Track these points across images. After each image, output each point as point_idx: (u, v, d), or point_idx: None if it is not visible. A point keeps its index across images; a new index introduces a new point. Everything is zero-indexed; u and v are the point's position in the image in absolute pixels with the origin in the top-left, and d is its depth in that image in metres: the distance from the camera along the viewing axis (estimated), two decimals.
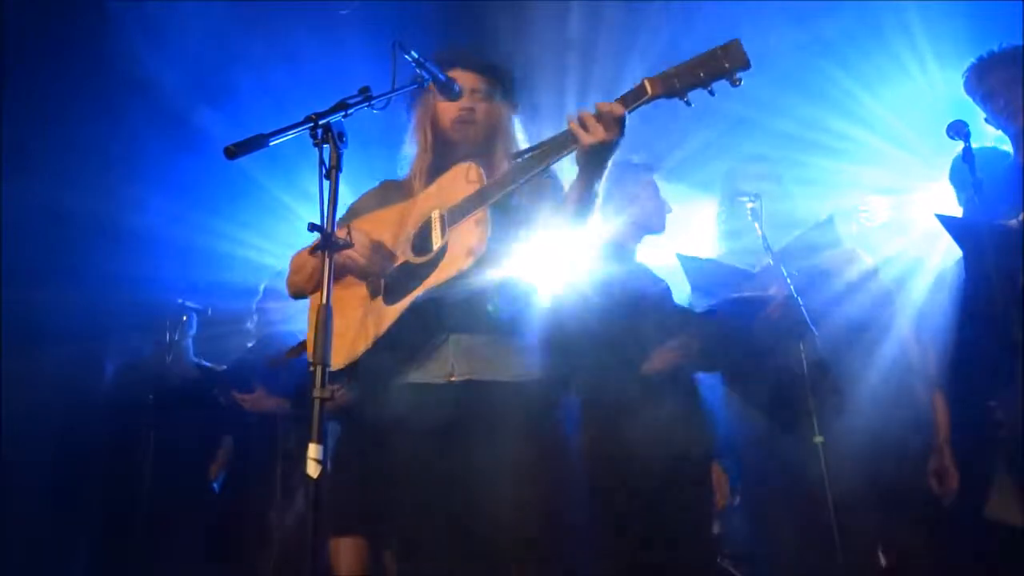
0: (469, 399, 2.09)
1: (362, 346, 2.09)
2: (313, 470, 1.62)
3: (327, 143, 1.78)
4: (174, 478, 3.86)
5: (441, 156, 2.29)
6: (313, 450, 1.63)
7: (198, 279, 4.58)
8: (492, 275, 2.04)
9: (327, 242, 1.75)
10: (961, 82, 2.94)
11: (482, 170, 2.11)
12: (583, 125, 1.92)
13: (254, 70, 4.59)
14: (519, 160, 2.09)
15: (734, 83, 1.88)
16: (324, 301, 1.72)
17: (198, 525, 3.80)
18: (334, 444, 3.29)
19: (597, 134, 1.91)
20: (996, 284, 2.35)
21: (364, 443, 3.05)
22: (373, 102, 1.94)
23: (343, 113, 1.85)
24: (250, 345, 4.14)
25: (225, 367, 3.94)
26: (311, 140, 1.78)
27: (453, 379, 2.11)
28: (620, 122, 1.93)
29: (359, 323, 2.13)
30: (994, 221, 2.45)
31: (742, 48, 1.87)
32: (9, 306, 4.09)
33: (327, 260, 1.74)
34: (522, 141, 2.30)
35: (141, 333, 4.37)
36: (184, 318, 4.20)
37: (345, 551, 3.13)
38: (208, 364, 4.06)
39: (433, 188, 2.22)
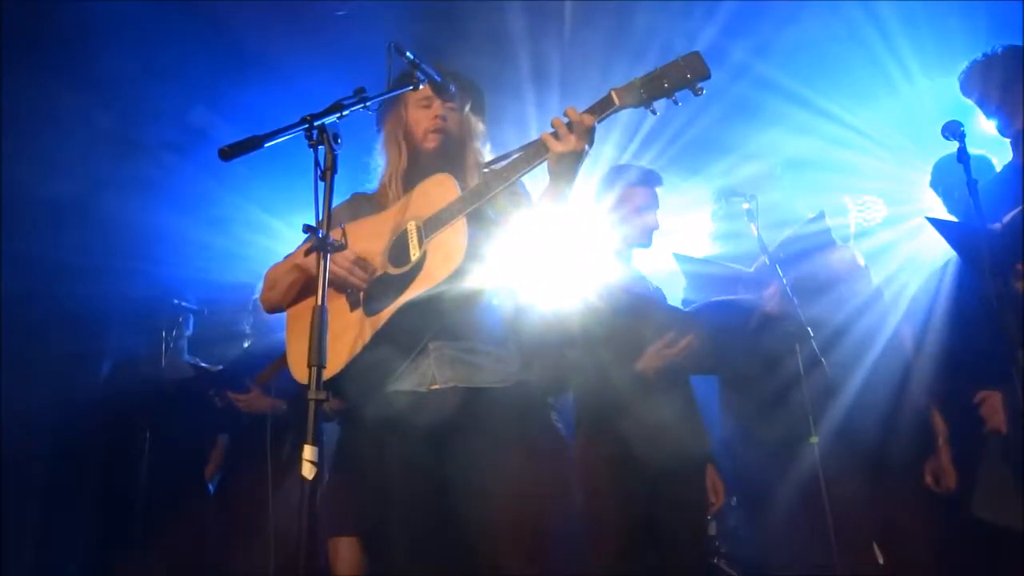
0: (455, 405, 2.10)
1: (345, 358, 2.08)
2: (308, 471, 1.61)
3: (322, 144, 1.77)
4: (169, 478, 3.84)
5: (413, 167, 2.30)
6: (308, 452, 1.62)
7: (195, 280, 4.57)
8: (473, 283, 2.06)
9: (321, 244, 1.75)
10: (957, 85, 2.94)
11: (456, 181, 2.13)
12: (555, 134, 1.99)
13: (252, 70, 4.57)
14: (492, 170, 2.12)
15: (696, 92, 1.95)
16: (319, 303, 1.71)
17: (193, 525, 3.79)
18: (333, 445, 3.30)
19: (568, 143, 1.98)
20: (990, 284, 2.35)
21: (354, 452, 3.07)
22: (368, 103, 1.93)
23: (338, 114, 1.84)
24: (246, 346, 4.13)
25: (221, 367, 3.93)
26: (306, 141, 1.77)
27: (436, 387, 2.11)
28: (590, 132, 2.00)
29: (340, 336, 2.11)
30: (985, 223, 2.45)
31: (702, 59, 1.94)
32: (7, 305, 4.08)
33: (322, 261, 1.74)
34: (487, 155, 2.33)
35: (137, 333, 4.36)
36: (180, 319, 4.19)
37: (343, 551, 3.13)
38: (204, 364, 4.05)
39: (407, 199, 2.22)
